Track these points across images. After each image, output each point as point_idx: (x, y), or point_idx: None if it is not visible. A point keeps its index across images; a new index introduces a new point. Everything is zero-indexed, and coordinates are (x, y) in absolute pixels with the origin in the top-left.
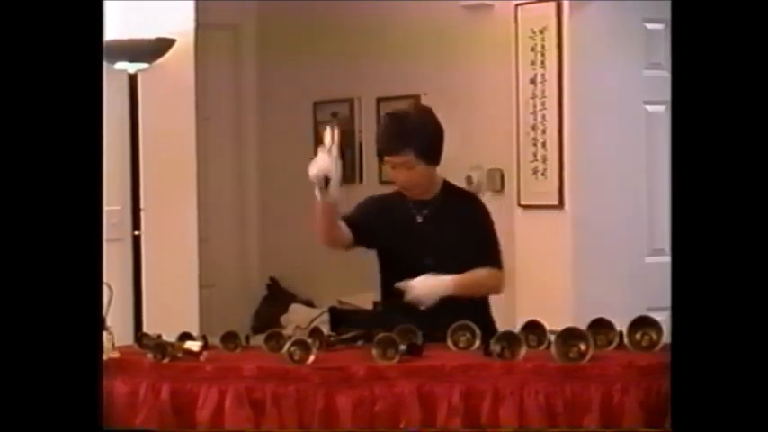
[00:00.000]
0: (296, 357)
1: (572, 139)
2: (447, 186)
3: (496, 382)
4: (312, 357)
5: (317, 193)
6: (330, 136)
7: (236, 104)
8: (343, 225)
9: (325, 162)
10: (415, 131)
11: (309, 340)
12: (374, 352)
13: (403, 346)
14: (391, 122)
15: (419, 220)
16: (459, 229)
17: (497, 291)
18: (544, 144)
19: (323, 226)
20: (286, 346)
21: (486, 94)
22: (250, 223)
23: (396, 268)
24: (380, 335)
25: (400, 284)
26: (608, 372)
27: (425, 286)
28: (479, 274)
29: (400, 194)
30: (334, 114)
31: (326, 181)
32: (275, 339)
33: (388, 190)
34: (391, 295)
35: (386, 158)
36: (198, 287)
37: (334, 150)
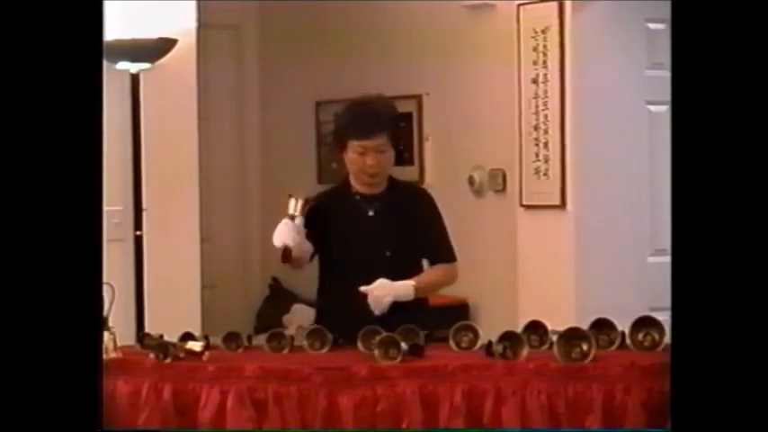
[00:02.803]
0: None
1: (574, 139)
2: (393, 181)
3: (498, 382)
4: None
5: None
6: (293, 206)
7: (238, 104)
8: (306, 246)
9: (283, 234)
10: (389, 115)
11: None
12: (376, 352)
13: (405, 346)
14: (363, 106)
15: (371, 213)
16: (410, 223)
17: (452, 283)
18: (546, 144)
19: (291, 266)
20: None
21: (489, 94)
22: (252, 223)
23: (349, 264)
24: (383, 335)
25: (362, 288)
26: (610, 372)
27: (386, 290)
28: (437, 272)
29: (345, 189)
30: (337, 114)
31: (289, 250)
32: (277, 340)
33: None
34: (337, 291)
35: (356, 142)
36: (200, 287)
37: (298, 221)
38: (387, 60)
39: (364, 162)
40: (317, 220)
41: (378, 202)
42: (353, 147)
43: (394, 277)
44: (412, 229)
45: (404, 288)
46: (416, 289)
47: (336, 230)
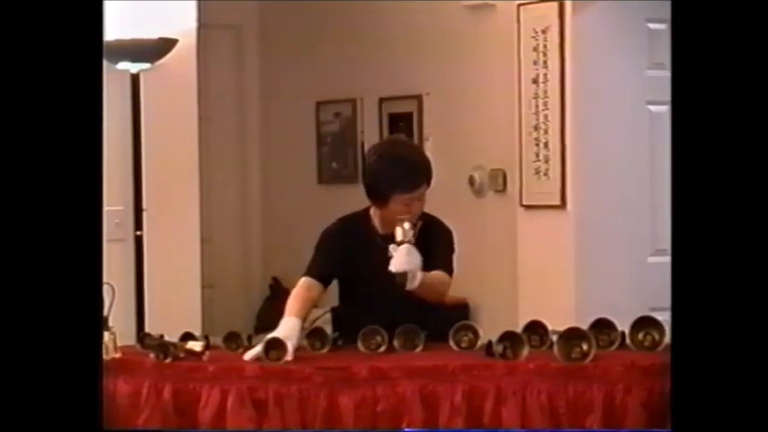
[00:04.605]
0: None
1: (574, 139)
2: (422, 216)
3: (499, 382)
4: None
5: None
6: (402, 233)
7: (239, 104)
8: (314, 287)
9: (408, 261)
10: (425, 163)
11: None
12: (396, 342)
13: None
14: (406, 159)
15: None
16: (427, 255)
17: (444, 296)
18: (546, 144)
19: (302, 312)
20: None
21: (489, 94)
22: (252, 223)
23: (371, 299)
24: (403, 326)
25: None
26: (610, 372)
27: (411, 258)
28: (437, 275)
29: (367, 230)
30: (337, 114)
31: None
32: (235, 342)
33: None
34: (354, 305)
35: (401, 196)
36: (200, 287)
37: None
38: (387, 60)
39: (409, 211)
40: (338, 263)
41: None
42: (398, 200)
43: (416, 312)
44: (430, 260)
45: (413, 274)
46: (422, 282)
47: (357, 267)
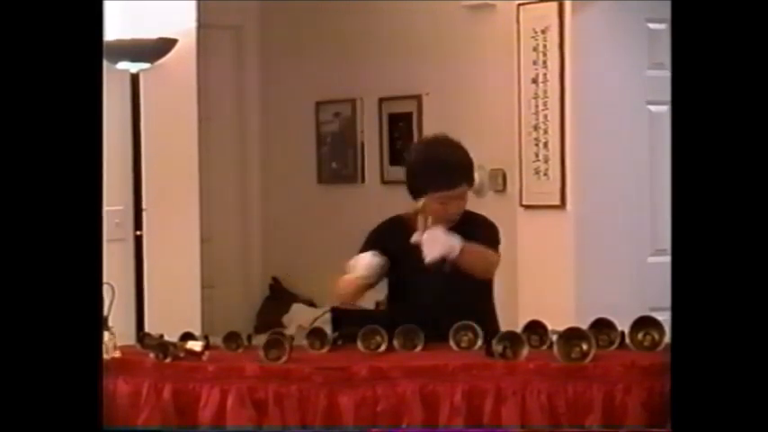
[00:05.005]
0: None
1: (574, 139)
2: (464, 216)
3: (499, 381)
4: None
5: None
6: (423, 223)
7: (238, 104)
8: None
9: (440, 244)
10: (463, 162)
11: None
12: (395, 342)
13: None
14: (443, 158)
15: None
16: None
17: (491, 273)
18: (546, 144)
19: (353, 297)
20: None
21: (489, 94)
22: (252, 223)
23: (410, 290)
24: (403, 326)
25: (414, 238)
26: (610, 372)
27: (436, 239)
28: (480, 246)
29: (406, 221)
30: (337, 114)
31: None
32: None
33: (389, 191)
34: (399, 299)
35: (436, 194)
36: (200, 287)
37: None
38: (387, 60)
39: (446, 210)
40: (383, 245)
41: None
42: (435, 197)
43: (462, 316)
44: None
45: (450, 242)
46: (462, 249)
47: (403, 266)
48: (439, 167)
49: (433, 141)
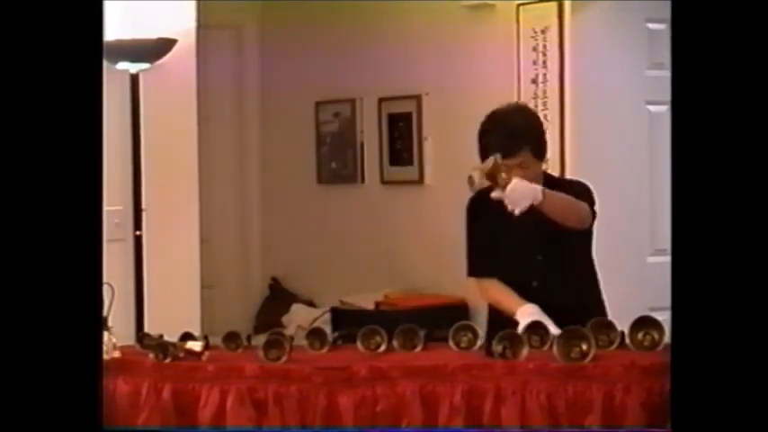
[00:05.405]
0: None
1: (574, 139)
2: (549, 179)
3: (498, 382)
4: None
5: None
6: (499, 178)
7: (238, 105)
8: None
9: (529, 186)
10: (530, 128)
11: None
12: (395, 342)
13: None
14: (502, 122)
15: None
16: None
17: (585, 222)
18: None
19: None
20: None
21: (488, 95)
22: (252, 223)
23: (502, 270)
24: (403, 326)
25: (495, 194)
26: (610, 372)
27: (517, 188)
28: (567, 196)
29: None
30: (336, 114)
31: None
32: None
33: (389, 191)
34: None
35: (504, 161)
36: (199, 287)
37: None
38: (386, 60)
39: (509, 177)
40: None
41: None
42: (500, 164)
43: (545, 280)
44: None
45: (532, 189)
46: (544, 193)
47: (491, 230)
48: (498, 133)
49: (504, 109)
